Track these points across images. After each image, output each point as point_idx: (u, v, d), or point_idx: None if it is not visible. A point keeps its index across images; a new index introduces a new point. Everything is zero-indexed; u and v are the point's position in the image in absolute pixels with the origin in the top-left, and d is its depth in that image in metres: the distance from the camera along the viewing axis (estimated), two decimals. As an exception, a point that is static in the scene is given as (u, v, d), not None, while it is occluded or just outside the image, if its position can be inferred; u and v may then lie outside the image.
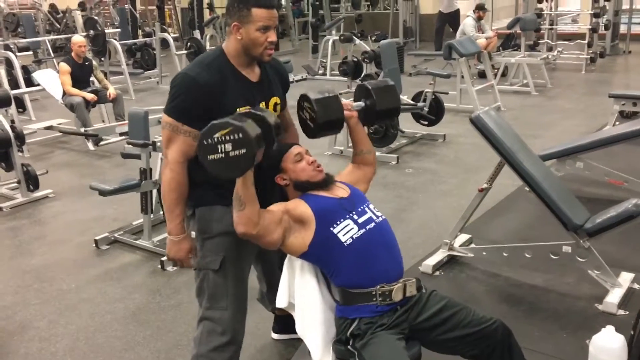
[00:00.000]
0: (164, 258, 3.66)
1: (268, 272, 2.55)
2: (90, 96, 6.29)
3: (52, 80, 6.68)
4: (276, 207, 2.05)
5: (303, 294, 2.13)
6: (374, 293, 1.99)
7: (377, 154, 5.79)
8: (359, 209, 2.10)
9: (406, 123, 6.44)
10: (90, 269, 3.80)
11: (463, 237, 3.76)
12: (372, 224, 2.08)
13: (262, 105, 2.15)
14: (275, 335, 2.89)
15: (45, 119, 7.58)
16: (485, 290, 3.32)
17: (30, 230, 4.52)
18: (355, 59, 9.31)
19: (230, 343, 2.20)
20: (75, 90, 6.30)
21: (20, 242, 4.32)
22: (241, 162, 1.75)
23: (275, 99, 2.22)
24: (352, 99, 2.48)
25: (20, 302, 3.42)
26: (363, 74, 9.19)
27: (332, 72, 10.48)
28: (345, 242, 2.00)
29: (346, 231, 2.02)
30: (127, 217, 4.43)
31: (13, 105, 6.16)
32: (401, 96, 6.16)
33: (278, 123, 2.05)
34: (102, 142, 6.45)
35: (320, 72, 11.02)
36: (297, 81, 8.61)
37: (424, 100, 6.13)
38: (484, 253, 3.52)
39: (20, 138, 4.99)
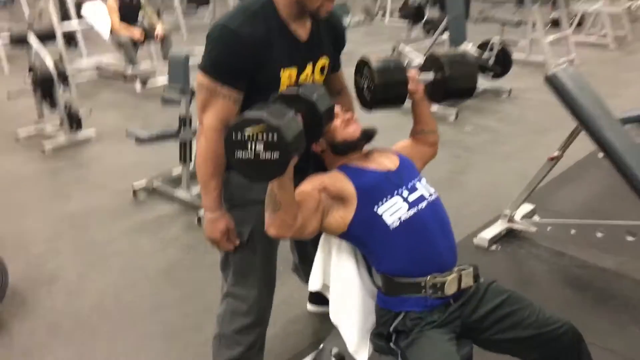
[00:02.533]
0: (202, 212, 3.46)
1: (299, 245, 2.30)
2: (138, 34, 6.06)
3: (101, 14, 6.46)
4: (311, 185, 1.74)
5: (339, 277, 1.85)
6: (423, 284, 1.70)
7: (434, 108, 5.40)
8: (409, 185, 1.78)
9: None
10: (125, 218, 3.65)
11: (525, 208, 3.40)
12: (424, 203, 1.76)
13: (309, 68, 1.83)
14: (311, 307, 2.66)
15: (97, 55, 7.46)
16: (547, 270, 2.97)
17: (69, 173, 4.40)
18: (417, 2, 8.76)
19: (255, 324, 1.98)
20: (122, 28, 6.07)
21: (59, 185, 4.21)
22: (273, 167, 1.43)
23: (324, 60, 1.88)
24: (418, 64, 2.08)
25: (52, 251, 3.31)
26: (424, 19, 8.67)
27: (392, 17, 9.92)
28: (392, 224, 1.69)
29: (393, 211, 1.71)
30: (168, 165, 4.24)
31: (61, 41, 6.03)
32: (466, 44, 5.68)
33: (331, 108, 1.72)
34: (149, 84, 6.26)
35: (379, 15, 10.47)
36: (353, 26, 8.13)
37: (490, 50, 5.64)
38: (549, 228, 3.16)
39: (63, 76, 4.83)
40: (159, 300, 2.83)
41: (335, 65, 1.98)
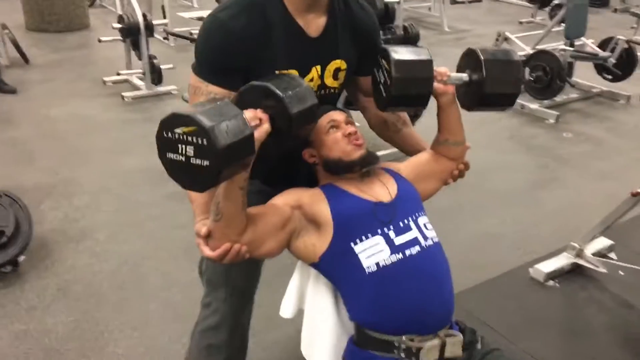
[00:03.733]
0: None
1: None
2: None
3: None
4: (283, 200, 1.48)
5: (314, 308, 1.60)
6: (397, 344, 1.41)
7: (534, 106, 4.91)
8: (401, 223, 1.47)
9: (585, 72, 5.32)
10: (173, 183, 3.57)
11: (601, 242, 2.93)
12: (415, 249, 1.45)
13: (316, 70, 1.54)
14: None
15: (209, 8, 7.48)
16: (608, 322, 2.53)
17: (140, 126, 4.41)
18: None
19: (227, 344, 1.75)
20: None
21: (126, 137, 4.22)
22: (203, 175, 1.19)
23: (337, 63, 1.57)
24: (462, 63, 1.71)
25: (93, 205, 3.31)
26: (553, 3, 7.86)
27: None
28: (368, 267, 1.41)
29: (372, 252, 1.42)
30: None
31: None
32: (583, 40, 5.04)
33: (308, 110, 1.39)
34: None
35: (507, -7, 9.68)
36: (469, 2, 7.54)
37: (612, 50, 4.95)
38: (621, 272, 2.69)
39: (150, 28, 4.83)
40: (173, 278, 2.72)
41: (365, 69, 1.64)
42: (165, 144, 1.20)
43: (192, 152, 1.17)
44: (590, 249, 2.85)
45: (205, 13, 7.09)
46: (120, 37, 5.01)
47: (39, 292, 2.60)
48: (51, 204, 3.29)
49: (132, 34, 4.82)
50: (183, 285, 2.66)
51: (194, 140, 1.16)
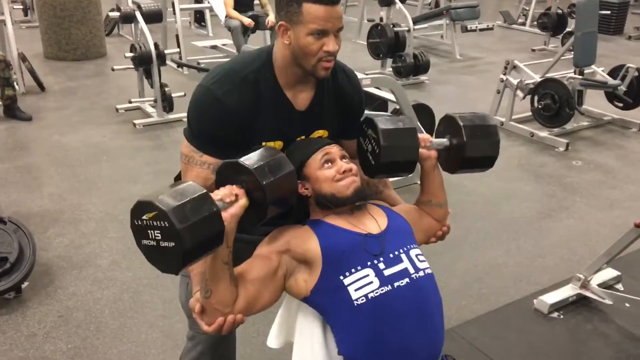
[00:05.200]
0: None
1: None
2: (248, 21, 6.04)
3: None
4: (269, 248, 1.48)
5: (303, 341, 1.59)
6: (385, 381, 1.39)
7: (543, 134, 4.88)
8: (391, 255, 1.46)
9: (596, 100, 5.30)
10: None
11: (607, 274, 2.89)
12: (405, 281, 1.44)
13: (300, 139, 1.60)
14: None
15: (223, 36, 7.61)
16: (613, 356, 2.47)
17: (149, 154, 4.47)
18: (560, 11, 8.00)
19: None
20: (234, 13, 6.09)
21: (135, 165, 4.27)
22: (172, 257, 1.20)
23: (320, 133, 1.62)
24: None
25: (99, 232, 3.34)
26: (565, 31, 7.88)
27: (533, 23, 9.14)
28: (357, 300, 1.40)
29: (361, 285, 1.41)
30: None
31: (179, 19, 6.24)
32: (594, 67, 5.02)
33: (284, 179, 1.40)
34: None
35: (520, 20, 9.72)
36: (480, 30, 7.57)
37: (623, 78, 4.92)
38: (627, 304, 2.64)
39: (161, 57, 4.92)
40: (174, 306, 2.72)
41: (348, 134, 1.69)
42: (138, 232, 1.23)
43: (159, 235, 1.20)
44: (596, 280, 2.81)
45: (219, 42, 7.22)
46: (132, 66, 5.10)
47: (40, 318, 2.61)
48: (57, 230, 3.32)
49: (144, 63, 4.91)
50: (184, 314, 2.66)
51: (159, 224, 1.19)
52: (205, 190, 1.26)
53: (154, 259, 1.24)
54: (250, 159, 1.38)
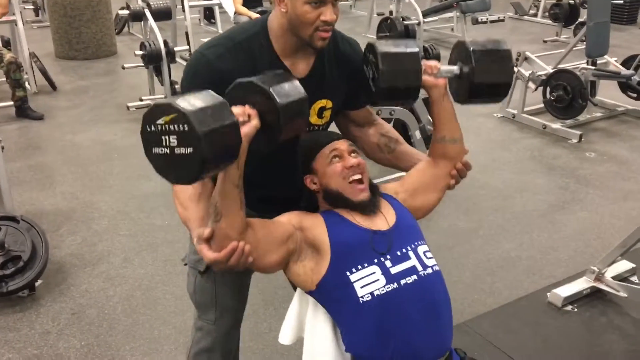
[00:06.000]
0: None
1: None
2: (256, 17, 6.02)
3: (229, -5, 6.53)
4: (287, 218, 1.49)
5: (313, 338, 1.58)
6: (391, 378, 1.38)
7: (556, 126, 4.83)
8: (399, 252, 1.45)
9: (610, 91, 5.23)
10: (190, 206, 3.61)
11: (622, 266, 2.85)
12: (412, 278, 1.42)
13: None
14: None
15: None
16: (627, 350, 2.45)
17: (160, 151, 4.48)
18: (572, 1, 7.90)
19: None
20: (243, 9, 6.08)
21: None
22: (189, 164, 1.16)
23: (322, 103, 1.59)
24: (450, 59, 1.70)
25: (110, 229, 3.35)
26: (577, 21, 7.79)
27: (545, 14, 9.04)
28: (362, 297, 1.39)
29: (367, 282, 1.40)
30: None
31: (189, 16, 6.26)
32: (607, 58, 4.96)
33: (298, 102, 1.36)
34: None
35: (532, 12, 9.62)
36: (491, 22, 7.50)
37: (636, 68, 4.86)
38: (643, 297, 2.61)
39: (171, 54, 4.93)
40: (186, 303, 2.71)
41: (354, 103, 1.68)
42: (149, 139, 1.18)
43: (175, 141, 1.15)
44: (611, 272, 2.77)
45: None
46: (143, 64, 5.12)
47: (54, 316, 2.63)
48: (70, 228, 3.34)
49: (154, 61, 4.92)
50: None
51: (176, 128, 1.14)
52: (224, 100, 1.22)
53: (165, 168, 1.19)
54: (265, 81, 1.33)
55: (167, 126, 1.15)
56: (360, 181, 1.51)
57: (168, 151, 1.17)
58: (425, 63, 1.56)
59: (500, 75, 1.59)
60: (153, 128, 1.17)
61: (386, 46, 1.52)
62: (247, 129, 1.28)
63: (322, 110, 1.60)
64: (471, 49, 1.56)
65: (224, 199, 1.31)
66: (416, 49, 1.54)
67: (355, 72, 1.62)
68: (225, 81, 1.41)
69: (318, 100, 1.58)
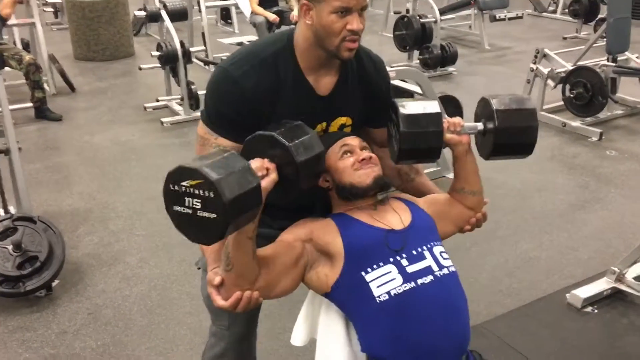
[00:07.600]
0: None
1: None
2: (272, 17, 6.02)
3: (245, -4, 6.54)
4: (294, 235, 1.47)
5: (326, 338, 1.57)
6: (409, 379, 1.36)
7: (576, 124, 4.75)
8: (414, 251, 1.43)
9: (629, 88, 5.14)
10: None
11: (644, 267, 2.79)
12: (429, 278, 1.40)
13: (320, 126, 1.55)
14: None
15: (249, 33, 7.61)
16: (650, 352, 2.40)
17: (176, 152, 4.49)
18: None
19: None
20: (259, 9, 6.09)
21: (163, 163, 4.29)
22: (211, 228, 1.18)
23: (342, 120, 1.58)
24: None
25: (127, 230, 3.37)
26: (597, 17, 7.68)
27: (564, 10, 8.92)
28: (379, 297, 1.38)
29: (383, 281, 1.39)
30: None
31: (205, 17, 6.28)
32: (628, 54, 4.88)
33: (316, 157, 1.39)
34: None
35: (551, 8, 9.50)
36: (509, 19, 7.41)
37: (658, 64, 4.76)
38: (666, 299, 2.55)
39: (187, 55, 4.95)
40: (202, 303, 2.71)
41: (375, 122, 1.66)
42: (171, 197, 1.20)
43: (199, 204, 1.17)
44: (632, 273, 2.72)
45: (245, 39, 7.24)
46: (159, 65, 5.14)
47: (70, 316, 2.65)
48: (87, 229, 3.37)
49: (171, 61, 4.94)
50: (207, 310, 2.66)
51: (201, 193, 1.16)
52: (247, 162, 1.24)
53: (185, 226, 1.21)
54: (286, 135, 1.35)
55: (191, 189, 1.17)
56: (371, 166, 1.51)
57: (190, 212, 1.19)
58: (448, 120, 1.55)
59: (523, 137, 1.58)
60: (177, 188, 1.19)
61: (408, 108, 1.52)
62: (265, 184, 1.29)
63: (342, 127, 1.60)
64: (494, 108, 1.55)
65: (237, 250, 1.30)
66: (438, 110, 1.54)
67: (377, 93, 1.61)
68: (248, 99, 1.43)
69: (338, 117, 1.58)
